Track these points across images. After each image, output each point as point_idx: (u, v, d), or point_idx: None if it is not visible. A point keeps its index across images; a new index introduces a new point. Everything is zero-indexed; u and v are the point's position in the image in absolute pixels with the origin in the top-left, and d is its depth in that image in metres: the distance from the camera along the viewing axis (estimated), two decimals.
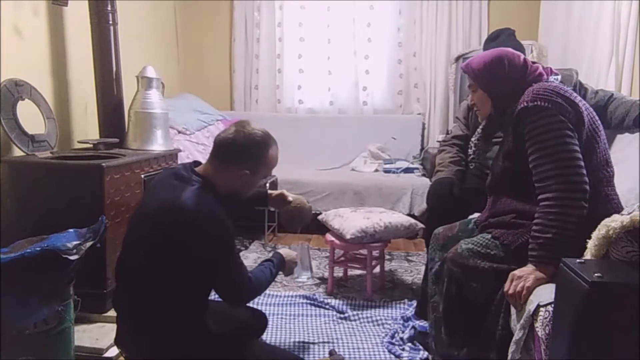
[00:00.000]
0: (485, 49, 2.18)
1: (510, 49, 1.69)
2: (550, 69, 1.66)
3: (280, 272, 1.74)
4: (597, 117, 1.56)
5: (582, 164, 1.41)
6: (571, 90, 1.56)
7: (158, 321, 1.42)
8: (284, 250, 1.78)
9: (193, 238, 1.37)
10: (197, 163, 1.55)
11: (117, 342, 1.53)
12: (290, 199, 1.86)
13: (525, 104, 1.48)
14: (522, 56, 1.64)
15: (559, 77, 1.70)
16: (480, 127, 1.81)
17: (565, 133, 1.43)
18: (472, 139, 1.89)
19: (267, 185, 3.27)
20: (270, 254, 1.82)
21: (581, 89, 2.10)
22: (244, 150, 1.47)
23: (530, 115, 1.48)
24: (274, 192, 1.89)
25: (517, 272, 1.43)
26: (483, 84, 1.64)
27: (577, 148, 1.43)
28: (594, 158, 1.50)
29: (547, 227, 1.39)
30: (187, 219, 1.36)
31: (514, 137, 1.56)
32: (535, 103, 1.46)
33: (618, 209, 1.50)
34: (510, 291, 1.41)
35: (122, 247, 1.52)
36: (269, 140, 1.51)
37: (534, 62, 1.64)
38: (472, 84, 1.69)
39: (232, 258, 1.44)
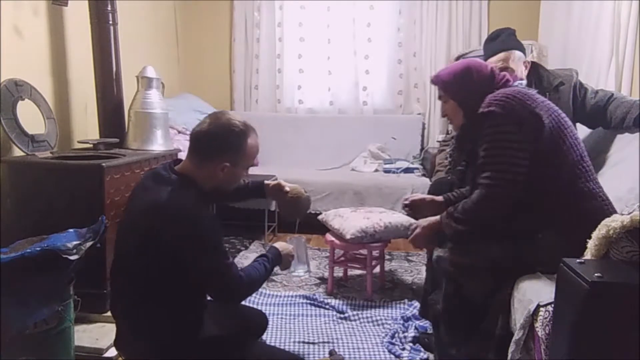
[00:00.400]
0: (485, 48, 2.19)
1: (476, 59, 1.77)
2: (516, 75, 1.73)
3: (277, 267, 1.69)
4: (563, 116, 1.60)
5: (521, 171, 1.49)
6: (532, 92, 1.61)
7: (155, 324, 1.41)
8: (279, 244, 1.71)
9: (173, 239, 1.34)
10: (177, 161, 1.52)
11: (117, 345, 1.53)
12: (287, 189, 1.80)
13: (482, 110, 1.56)
14: (489, 66, 1.72)
15: (524, 82, 1.75)
16: (454, 137, 1.84)
17: (511, 144, 1.50)
18: (447, 150, 1.88)
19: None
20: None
21: (581, 89, 2.10)
22: (222, 142, 1.42)
23: (485, 120, 1.56)
24: (271, 183, 1.85)
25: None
26: (453, 94, 1.70)
27: (521, 155, 1.49)
28: (562, 156, 1.53)
29: (464, 213, 1.57)
30: (165, 220, 1.34)
31: (480, 142, 1.62)
32: (489, 109, 1.54)
33: (605, 205, 1.53)
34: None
35: (114, 252, 1.51)
36: (247, 129, 1.46)
37: (515, 67, 1.66)
38: (442, 95, 1.74)
39: (217, 256, 1.39)
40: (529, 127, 1.51)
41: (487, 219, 1.56)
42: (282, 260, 1.68)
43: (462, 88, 1.67)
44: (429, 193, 2.30)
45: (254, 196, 1.87)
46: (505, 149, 1.52)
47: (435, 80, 1.74)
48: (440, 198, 1.88)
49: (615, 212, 1.53)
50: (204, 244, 1.36)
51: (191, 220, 1.34)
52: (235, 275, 1.42)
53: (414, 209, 1.91)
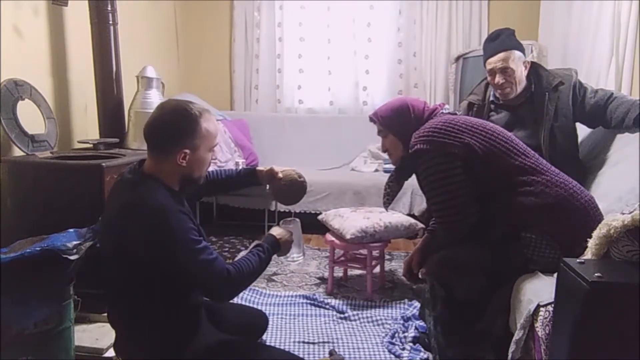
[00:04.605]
0: (485, 48, 2.19)
1: (410, 97, 1.91)
2: (442, 104, 1.85)
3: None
4: (490, 126, 1.68)
5: (460, 193, 1.60)
6: (454, 119, 1.69)
7: (149, 329, 1.39)
8: (276, 230, 1.63)
9: (143, 242, 1.29)
10: (144, 161, 1.45)
11: (116, 349, 1.52)
12: (280, 175, 1.72)
13: (411, 148, 1.67)
14: (421, 99, 1.84)
15: (448, 106, 1.85)
16: (394, 169, 1.91)
17: (443, 174, 1.60)
18: (387, 181, 1.92)
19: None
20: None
21: (581, 88, 2.10)
22: (174, 128, 1.36)
23: (415, 158, 1.67)
24: (264, 169, 1.75)
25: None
26: (392, 129, 1.80)
27: (456, 185, 1.60)
28: (503, 162, 1.61)
29: (435, 237, 1.72)
30: (132, 224, 1.30)
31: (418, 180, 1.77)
32: (416, 147, 1.64)
33: (570, 189, 1.59)
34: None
35: (102, 262, 1.47)
36: (197, 110, 1.38)
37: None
38: (382, 130, 1.84)
39: (191, 252, 1.31)
40: (456, 156, 1.59)
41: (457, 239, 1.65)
42: (280, 247, 1.60)
43: (400, 121, 1.77)
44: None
45: (247, 184, 1.79)
46: (441, 187, 1.62)
47: (374, 117, 1.84)
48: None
49: (583, 193, 1.61)
50: (175, 242, 1.29)
51: (157, 221, 1.28)
52: (218, 271, 1.35)
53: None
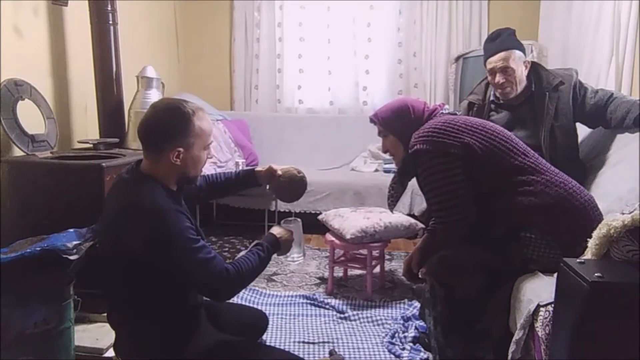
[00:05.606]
0: (485, 48, 2.19)
1: (410, 97, 1.81)
2: (441, 104, 1.85)
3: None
4: (490, 125, 1.69)
5: (460, 193, 1.60)
6: (454, 119, 1.69)
7: (147, 330, 1.39)
8: (277, 230, 1.62)
9: (140, 242, 1.28)
10: (140, 162, 1.43)
11: (115, 349, 1.51)
12: (279, 172, 1.71)
13: (411, 149, 1.67)
14: (421, 100, 1.85)
15: (448, 107, 1.85)
16: (396, 170, 1.90)
17: (443, 174, 1.61)
18: (390, 183, 1.91)
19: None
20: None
21: (581, 88, 2.10)
22: (166, 127, 1.35)
23: (415, 159, 1.68)
24: (263, 169, 1.74)
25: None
26: (393, 129, 1.80)
27: (456, 180, 1.60)
28: (505, 160, 1.62)
29: (435, 237, 1.69)
30: (129, 225, 1.29)
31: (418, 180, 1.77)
32: (416, 147, 1.64)
33: (570, 189, 1.59)
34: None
35: (101, 263, 1.46)
36: (189, 108, 1.37)
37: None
38: (382, 131, 1.84)
39: (188, 252, 1.30)
40: (456, 156, 1.59)
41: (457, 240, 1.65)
42: (280, 246, 1.59)
43: (400, 122, 1.77)
44: None
45: (247, 185, 1.77)
46: (441, 187, 1.61)
47: (375, 118, 1.84)
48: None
49: (583, 193, 1.61)
50: (173, 242, 1.28)
51: (155, 220, 1.27)
52: (216, 270, 1.34)
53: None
